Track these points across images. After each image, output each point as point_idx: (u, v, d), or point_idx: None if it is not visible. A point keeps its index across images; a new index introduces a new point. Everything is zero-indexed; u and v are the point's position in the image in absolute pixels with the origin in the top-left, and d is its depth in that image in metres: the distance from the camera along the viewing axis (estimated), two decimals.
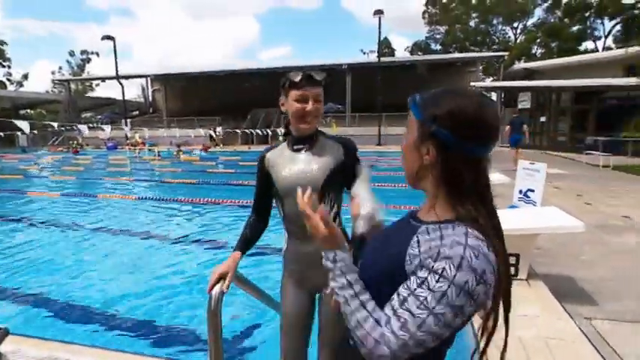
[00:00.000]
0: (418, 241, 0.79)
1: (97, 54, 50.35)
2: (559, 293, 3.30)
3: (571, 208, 5.40)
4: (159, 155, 18.64)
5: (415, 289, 0.74)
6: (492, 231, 0.78)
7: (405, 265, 0.78)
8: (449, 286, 0.71)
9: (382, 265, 0.86)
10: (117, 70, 28.80)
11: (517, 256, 3.38)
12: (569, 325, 2.78)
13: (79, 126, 15.38)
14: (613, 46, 33.54)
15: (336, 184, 1.57)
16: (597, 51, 32.47)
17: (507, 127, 11.93)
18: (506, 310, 0.80)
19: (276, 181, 1.60)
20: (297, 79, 1.46)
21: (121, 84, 29.17)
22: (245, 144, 25.24)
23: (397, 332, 0.73)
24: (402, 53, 47.66)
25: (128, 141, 24.12)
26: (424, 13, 44.08)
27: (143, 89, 37.58)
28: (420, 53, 43.26)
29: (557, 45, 35.96)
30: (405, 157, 0.89)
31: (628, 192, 8.13)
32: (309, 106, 1.48)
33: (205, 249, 5.25)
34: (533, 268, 3.72)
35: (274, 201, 1.70)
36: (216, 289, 1.52)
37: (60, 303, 3.74)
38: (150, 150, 19.82)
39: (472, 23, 41.86)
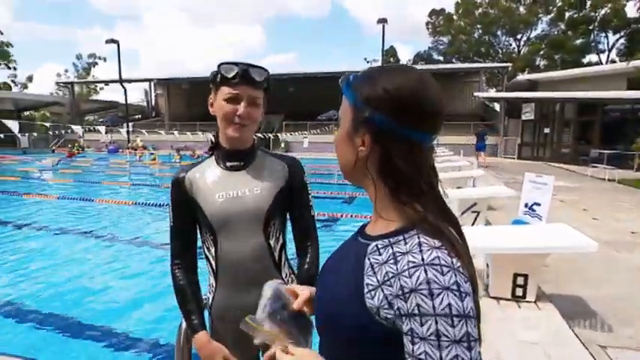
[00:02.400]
0: (372, 266, 0.65)
1: (105, 59, 50.76)
2: (569, 316, 3.09)
3: (577, 222, 5.20)
4: (157, 159, 18.57)
5: (414, 351, 0.58)
6: (447, 226, 0.65)
7: (366, 301, 0.63)
8: (436, 322, 0.56)
9: (337, 297, 0.70)
10: (120, 74, 28.89)
11: (526, 276, 3.18)
12: (583, 354, 2.57)
13: (73, 127, 15.34)
14: (617, 59, 33.55)
15: (282, 211, 1.31)
16: (601, 64, 32.45)
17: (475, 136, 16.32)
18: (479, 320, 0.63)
19: (206, 209, 1.23)
20: (231, 74, 1.19)
21: (123, 87, 29.24)
22: None
23: None
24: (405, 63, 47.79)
25: (129, 144, 24.05)
26: (428, 23, 44.30)
27: (146, 93, 37.73)
28: (422, 63, 43.32)
29: (561, 57, 35.97)
30: (338, 151, 0.75)
31: (635, 207, 7.92)
32: (241, 108, 1.19)
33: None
34: (541, 289, 3.51)
35: (200, 237, 1.33)
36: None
37: (54, 315, 3.54)
38: (152, 154, 19.79)
39: (476, 34, 41.96)
